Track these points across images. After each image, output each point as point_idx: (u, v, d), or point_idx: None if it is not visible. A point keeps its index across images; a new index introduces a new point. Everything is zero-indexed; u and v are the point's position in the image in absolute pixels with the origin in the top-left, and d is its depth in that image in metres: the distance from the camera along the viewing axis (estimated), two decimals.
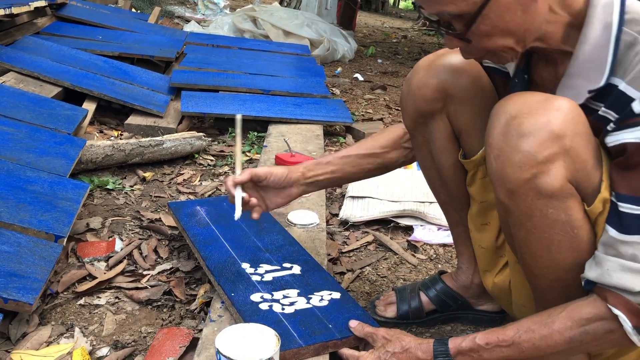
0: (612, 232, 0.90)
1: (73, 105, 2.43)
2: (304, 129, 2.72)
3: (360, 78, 4.57)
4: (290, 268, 1.44)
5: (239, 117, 1.31)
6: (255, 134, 2.71)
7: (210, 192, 2.13)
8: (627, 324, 0.89)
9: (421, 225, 1.89)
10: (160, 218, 1.87)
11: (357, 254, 1.77)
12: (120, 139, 2.49)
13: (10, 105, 2.15)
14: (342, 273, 1.65)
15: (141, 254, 1.65)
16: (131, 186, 2.11)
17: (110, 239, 1.71)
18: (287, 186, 1.34)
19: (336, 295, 1.33)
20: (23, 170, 1.71)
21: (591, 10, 0.91)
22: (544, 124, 0.88)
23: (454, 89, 1.17)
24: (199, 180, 2.24)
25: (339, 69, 4.79)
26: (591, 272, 0.93)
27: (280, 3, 7.57)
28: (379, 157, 1.36)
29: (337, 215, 1.97)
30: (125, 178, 2.17)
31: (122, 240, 1.71)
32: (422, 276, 1.67)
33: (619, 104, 0.90)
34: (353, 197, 2.03)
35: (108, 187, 2.05)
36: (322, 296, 1.32)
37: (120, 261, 1.59)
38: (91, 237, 1.71)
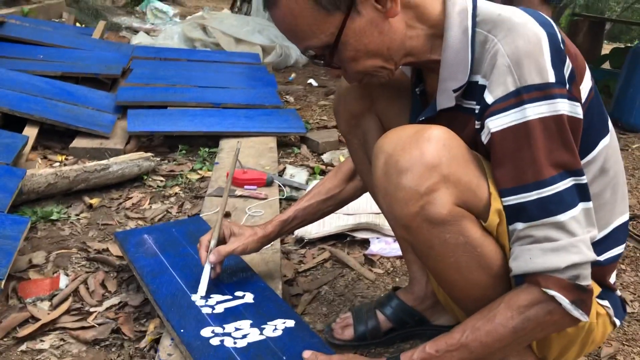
0: (519, 225, 0.93)
1: (12, 132, 2.33)
2: (257, 142, 2.67)
3: (315, 83, 4.53)
4: (243, 297, 1.39)
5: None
6: (207, 149, 2.65)
7: (160, 216, 2.07)
8: (564, 301, 0.92)
9: (377, 238, 1.87)
10: (107, 248, 1.80)
11: (314, 273, 1.74)
12: (65, 164, 2.40)
13: None
14: (299, 294, 1.62)
15: (88, 289, 1.58)
16: (77, 215, 2.03)
17: (55, 274, 1.63)
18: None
19: (290, 323, 1.29)
20: None
21: (448, 19, 0.98)
22: (418, 157, 0.91)
23: (377, 89, 1.23)
24: (149, 204, 2.17)
25: (293, 75, 4.75)
26: (516, 267, 0.95)
27: (231, 9, 7.49)
28: (337, 196, 1.42)
29: (292, 233, 1.93)
30: (70, 206, 2.09)
31: (67, 275, 1.64)
32: (379, 292, 1.65)
33: (478, 96, 0.96)
34: None
35: (52, 217, 1.97)
36: (275, 325, 1.28)
37: (65, 299, 1.52)
38: (34, 274, 1.63)
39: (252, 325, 1.28)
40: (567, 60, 0.93)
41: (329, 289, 1.66)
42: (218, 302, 1.36)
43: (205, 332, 1.25)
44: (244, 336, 1.24)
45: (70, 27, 4.95)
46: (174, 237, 1.67)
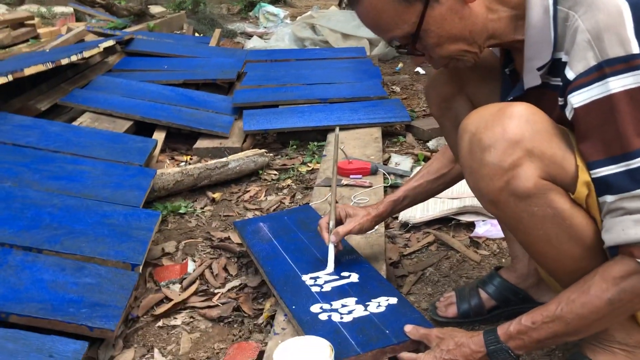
0: (609, 198, 0.93)
1: (143, 137, 2.60)
2: (362, 134, 2.76)
3: (422, 71, 4.53)
4: (349, 277, 1.48)
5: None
6: (316, 143, 2.78)
7: (274, 207, 2.22)
8: None
9: (482, 221, 1.88)
10: (229, 237, 1.97)
11: (419, 256, 1.79)
12: (190, 163, 2.63)
13: (86, 144, 2.34)
14: (404, 276, 1.68)
15: (212, 273, 1.75)
16: (202, 208, 2.23)
17: (184, 261, 1.83)
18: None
19: (393, 300, 1.37)
20: (100, 205, 1.86)
21: (530, 1, 1.00)
22: (501, 133, 0.95)
23: (467, 71, 1.25)
24: (264, 196, 2.33)
25: (400, 65, 4.77)
26: (609, 239, 0.95)
27: (339, 6, 7.62)
28: (446, 175, 1.46)
29: (397, 218, 2.00)
30: (196, 201, 2.30)
31: (194, 261, 1.83)
32: (484, 272, 1.67)
33: (562, 73, 0.96)
34: None
35: (180, 211, 2.19)
36: (379, 302, 1.36)
37: (193, 282, 1.70)
38: (166, 261, 1.83)
39: (357, 302, 1.37)
40: None
41: (434, 271, 1.70)
42: (326, 282, 1.47)
43: (315, 308, 1.36)
44: (350, 312, 1.34)
45: (189, 38, 5.33)
46: (286, 224, 1.80)
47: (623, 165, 0.91)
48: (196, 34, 5.91)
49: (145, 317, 1.57)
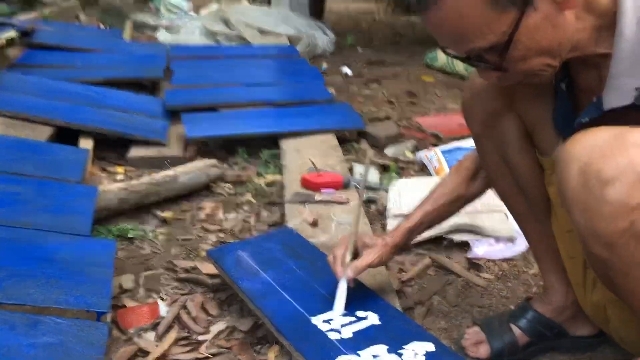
0: None
1: (73, 147, 2.25)
2: (317, 141, 2.57)
3: (350, 73, 4.41)
4: (366, 317, 1.29)
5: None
6: (268, 151, 2.54)
7: (239, 227, 1.98)
8: None
9: (477, 240, 1.76)
10: (196, 266, 1.70)
11: (419, 282, 1.64)
12: (131, 177, 2.30)
13: (9, 157, 1.96)
14: (411, 308, 1.52)
15: (189, 314, 1.49)
16: (152, 230, 1.94)
17: (151, 300, 1.54)
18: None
19: (429, 347, 1.19)
20: (44, 237, 1.53)
21: (621, 8, 0.90)
22: (627, 165, 0.81)
23: (518, 85, 1.08)
24: (223, 213, 2.07)
25: (324, 65, 4.62)
26: None
27: (249, 0, 7.34)
28: (464, 196, 1.35)
29: None
30: (144, 222, 2.00)
31: (163, 299, 1.55)
32: (494, 300, 1.55)
33: None
34: (396, 215, 1.89)
35: (129, 235, 1.88)
36: (415, 350, 1.19)
37: (169, 328, 1.43)
38: (129, 301, 1.54)
39: (389, 351, 1.18)
40: None
41: (441, 299, 1.56)
42: (343, 325, 1.27)
43: None
44: None
45: (97, 29, 4.85)
46: (271, 252, 1.58)
47: None
48: (101, 26, 5.40)
49: None
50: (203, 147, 2.63)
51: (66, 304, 1.31)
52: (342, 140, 2.74)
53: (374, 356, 1.17)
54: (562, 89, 1.07)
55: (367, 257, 1.29)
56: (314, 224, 1.81)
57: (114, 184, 2.04)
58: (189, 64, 3.60)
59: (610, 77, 0.93)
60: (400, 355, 1.17)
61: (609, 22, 0.92)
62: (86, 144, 2.45)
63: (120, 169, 2.42)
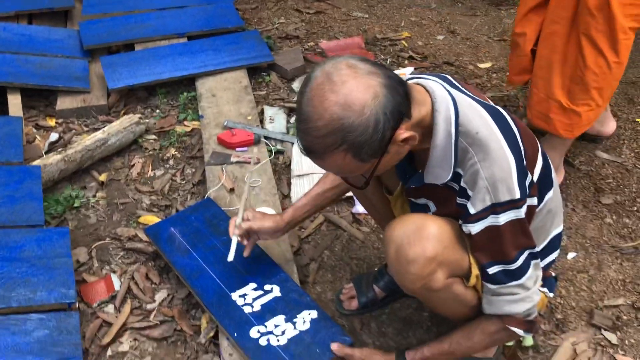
0: (492, 286, 1.36)
1: (5, 116, 2.45)
2: (230, 81, 2.85)
3: None
4: (271, 290, 1.79)
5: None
6: (186, 94, 2.82)
7: (167, 186, 2.35)
8: (519, 331, 1.40)
9: None
10: (136, 234, 2.12)
11: (314, 238, 2.13)
12: (62, 137, 2.56)
13: None
14: (307, 265, 2.03)
15: (137, 285, 1.94)
16: (94, 195, 2.29)
17: (105, 274, 1.97)
18: (276, 231, 1.76)
19: (314, 314, 1.72)
20: (7, 234, 1.87)
21: (436, 126, 1.28)
22: (421, 252, 1.30)
23: None
24: (152, 170, 2.43)
25: None
26: (489, 309, 1.41)
27: None
28: (339, 186, 1.72)
29: (288, 196, 2.28)
30: (85, 187, 2.34)
31: (114, 271, 1.98)
32: (369, 251, 2.07)
33: (460, 190, 1.32)
34: (299, 175, 2.32)
35: (75, 205, 2.23)
36: (303, 318, 1.71)
37: (124, 299, 1.89)
38: (87, 276, 1.96)
39: (286, 320, 1.70)
40: (527, 172, 1.28)
41: (330, 254, 2.07)
42: (254, 299, 1.77)
43: (253, 332, 1.67)
44: (283, 332, 1.67)
45: None
46: (197, 228, 2.00)
47: (502, 266, 1.32)
48: None
49: (92, 347, 1.76)
50: (125, 91, 2.86)
51: (42, 301, 1.71)
52: (254, 70, 3.02)
53: (275, 325, 1.69)
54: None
55: (253, 222, 1.72)
56: (232, 190, 2.22)
57: (53, 156, 2.31)
58: None
59: (428, 164, 1.34)
60: (294, 323, 1.70)
61: (429, 131, 1.30)
62: (13, 100, 2.64)
63: (51, 122, 2.67)
